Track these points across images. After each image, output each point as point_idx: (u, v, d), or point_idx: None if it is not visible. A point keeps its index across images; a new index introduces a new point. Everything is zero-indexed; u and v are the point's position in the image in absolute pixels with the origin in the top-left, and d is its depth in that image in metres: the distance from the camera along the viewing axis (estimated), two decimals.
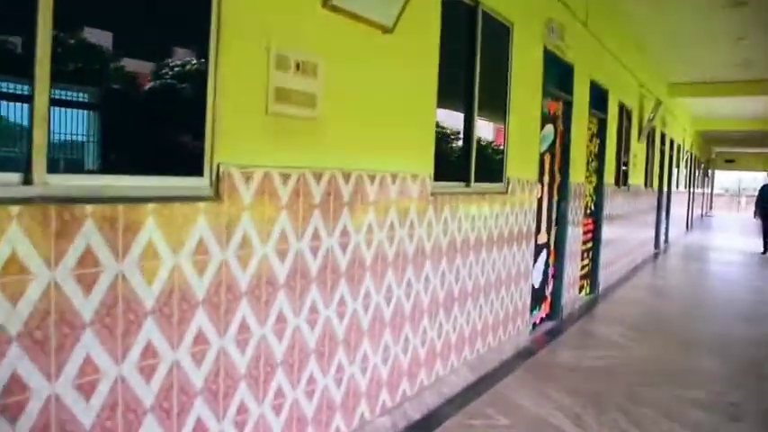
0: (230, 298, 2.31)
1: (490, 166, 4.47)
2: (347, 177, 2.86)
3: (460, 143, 4.05)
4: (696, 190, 23.54)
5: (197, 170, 2.20)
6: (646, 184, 11.27)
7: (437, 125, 3.65)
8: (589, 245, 7.74)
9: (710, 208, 34.59)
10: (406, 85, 3.30)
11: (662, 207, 13.69)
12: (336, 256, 2.83)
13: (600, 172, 7.85)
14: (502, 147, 4.61)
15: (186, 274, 2.13)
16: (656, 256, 12.53)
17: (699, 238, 17.61)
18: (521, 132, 4.85)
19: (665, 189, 14.06)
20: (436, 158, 3.63)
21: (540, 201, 5.68)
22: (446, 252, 3.79)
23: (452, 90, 3.92)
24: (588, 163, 7.42)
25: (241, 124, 2.33)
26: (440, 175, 3.73)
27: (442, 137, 3.84)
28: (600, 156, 7.84)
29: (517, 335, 5.09)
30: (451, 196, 3.82)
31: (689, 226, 20.23)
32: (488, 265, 4.41)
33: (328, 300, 2.81)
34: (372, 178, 3.04)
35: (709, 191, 34.45)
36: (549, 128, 5.88)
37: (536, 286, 5.79)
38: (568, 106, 6.20)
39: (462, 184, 4.03)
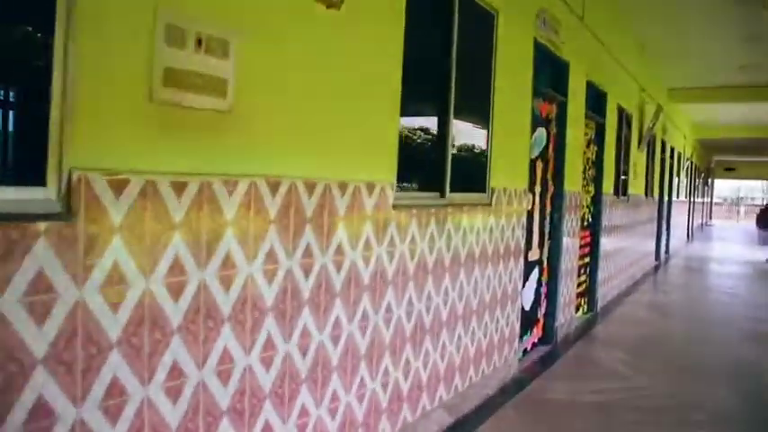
0: (92, 352, 1.69)
1: (470, 174, 3.86)
2: (275, 186, 2.25)
3: (433, 148, 3.44)
4: (696, 199, 22.97)
5: (36, 178, 1.59)
6: (646, 194, 10.68)
7: (403, 126, 3.04)
8: (586, 260, 7.13)
9: (710, 217, 34.01)
10: (360, 74, 2.70)
11: (662, 217, 13.10)
12: (260, 288, 2.21)
13: (598, 181, 7.25)
14: (485, 152, 4.00)
15: (13, 321, 1.50)
16: (656, 268, 11.92)
17: (700, 249, 17.01)
18: (507, 136, 4.24)
19: (666, 199, 13.48)
20: (401, 165, 3.02)
21: (530, 213, 5.07)
22: (414, 275, 3.17)
23: (423, 85, 3.33)
24: (585, 171, 6.83)
25: (109, 115, 1.71)
26: (406, 184, 3.13)
27: (410, 140, 3.24)
28: (598, 163, 7.24)
29: (504, 366, 4.46)
30: (421, 209, 3.20)
31: (689, 236, 19.65)
32: (468, 288, 3.79)
33: (248, 345, 2.19)
34: (311, 188, 2.42)
35: (709, 200, 33.89)
36: (542, 132, 5.28)
37: (527, 308, 5.17)
38: (563, 108, 5.60)
39: (435, 194, 3.42)
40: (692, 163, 19.31)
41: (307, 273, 2.42)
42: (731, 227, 30.74)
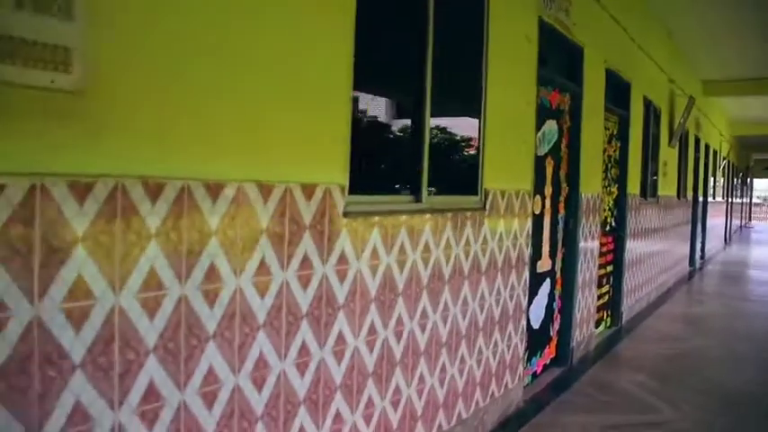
0: None
1: (457, 173, 3.28)
2: (155, 190, 1.70)
3: (405, 141, 2.86)
4: (734, 200, 21.79)
5: None
6: (679, 195, 9.88)
7: (359, 111, 2.47)
8: (609, 268, 6.44)
9: (749, 219, 32.47)
10: (291, 44, 2.14)
11: (697, 219, 12.23)
12: (136, 324, 1.66)
13: (622, 181, 6.56)
14: (476, 148, 3.40)
15: None
16: (691, 275, 11.06)
17: (739, 253, 15.99)
18: (505, 129, 3.63)
19: (701, 200, 12.59)
20: (357, 161, 2.45)
21: (540, 217, 4.45)
22: (377, 297, 2.59)
23: (388, 61, 2.75)
24: (607, 170, 6.16)
25: None
26: (365, 185, 2.55)
27: (372, 131, 2.67)
28: (621, 161, 6.55)
29: (505, 395, 3.84)
30: (387, 217, 2.62)
31: (727, 239, 18.57)
32: (455, 309, 3.19)
33: (121, 396, 1.64)
34: (216, 191, 1.87)
35: (748, 201, 32.34)
36: (552, 125, 4.64)
37: (536, 326, 4.54)
38: (577, 99, 4.96)
39: (408, 198, 2.84)
40: (729, 161, 18.25)
41: (211, 303, 1.87)
42: None
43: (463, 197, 3.26)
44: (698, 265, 12.30)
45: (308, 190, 2.20)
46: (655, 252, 8.24)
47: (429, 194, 2.89)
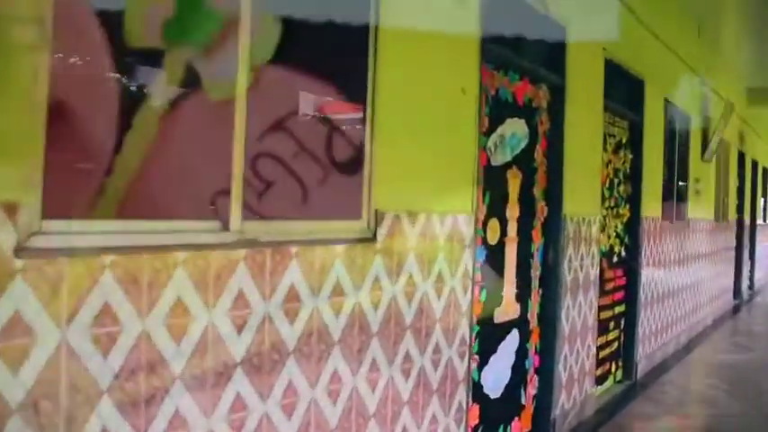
0: None
1: (320, 186, 2.20)
2: None
3: (197, 127, 1.82)
4: None
5: None
6: (718, 217, 8.49)
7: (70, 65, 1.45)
8: (619, 309, 5.20)
9: None
10: None
11: (744, 245, 10.70)
12: None
13: (635, 200, 5.34)
14: (358, 145, 2.31)
15: None
16: (736, 309, 9.57)
17: None
18: (417, 122, 2.54)
19: (748, 222, 11.06)
20: (76, 160, 1.43)
21: (497, 249, 3.32)
22: (117, 388, 1.54)
23: None
24: (613, 186, 4.98)
25: None
26: (89, 204, 1.53)
27: (122, 105, 1.64)
28: (634, 177, 5.33)
29: None
30: (138, 257, 1.57)
31: None
32: (314, 392, 2.10)
33: None
34: None
35: None
36: (517, 126, 3.52)
37: (495, 395, 3.38)
38: (558, 93, 3.82)
39: (204, 225, 1.78)
40: None
41: None
42: None
43: (330, 222, 2.17)
44: (745, 297, 10.74)
45: None
46: (685, 286, 6.89)
47: (246, 218, 1.83)
